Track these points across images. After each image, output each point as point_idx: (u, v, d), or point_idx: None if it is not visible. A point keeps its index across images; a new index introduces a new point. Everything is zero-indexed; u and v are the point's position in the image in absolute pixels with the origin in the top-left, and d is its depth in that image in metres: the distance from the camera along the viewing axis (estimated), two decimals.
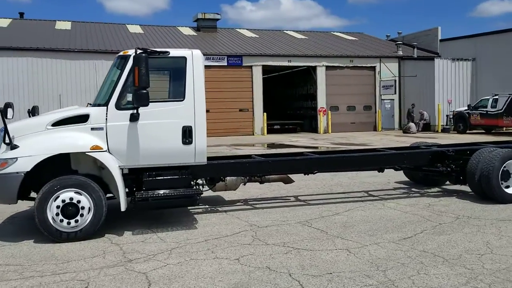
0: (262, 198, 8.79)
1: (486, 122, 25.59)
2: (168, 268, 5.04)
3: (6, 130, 5.98)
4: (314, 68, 30.16)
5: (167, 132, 6.50)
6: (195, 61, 6.68)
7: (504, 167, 7.89)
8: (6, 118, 5.94)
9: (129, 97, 6.31)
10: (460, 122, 27.05)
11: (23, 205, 7.66)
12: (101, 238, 6.19)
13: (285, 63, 29.59)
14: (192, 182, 6.95)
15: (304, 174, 8.32)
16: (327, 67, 30.24)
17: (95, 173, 6.59)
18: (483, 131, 26.54)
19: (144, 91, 5.97)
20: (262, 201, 8.58)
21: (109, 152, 6.27)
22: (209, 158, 7.25)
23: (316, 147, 20.16)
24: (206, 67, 27.39)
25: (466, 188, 8.73)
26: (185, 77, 6.60)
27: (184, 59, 6.64)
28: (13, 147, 5.99)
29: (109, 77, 6.82)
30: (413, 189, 9.48)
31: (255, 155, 8.47)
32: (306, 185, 10.08)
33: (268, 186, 9.60)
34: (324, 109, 30.10)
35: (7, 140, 5.98)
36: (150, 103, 6.31)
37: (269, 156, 8.60)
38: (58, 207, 5.97)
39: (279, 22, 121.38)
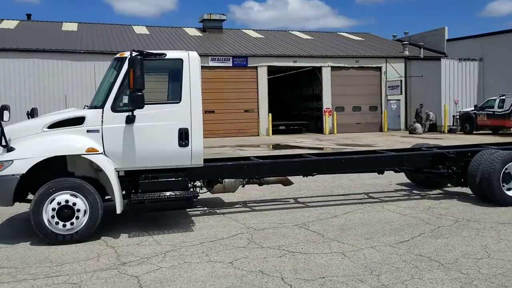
0: (261, 200, 8.76)
1: (493, 123, 25.36)
2: (161, 271, 5.02)
3: (2, 133, 5.99)
4: (319, 69, 30.07)
5: (163, 134, 6.49)
6: (192, 63, 6.66)
7: (506, 169, 7.79)
8: (3, 120, 5.95)
9: (125, 99, 6.33)
10: (466, 122, 26.84)
11: (23, 207, 7.67)
12: (97, 241, 6.19)
13: (291, 64, 29.54)
14: (189, 184, 6.93)
15: (303, 176, 8.27)
16: (333, 68, 30.13)
17: (91, 176, 6.59)
18: (490, 131, 26.30)
19: (139, 93, 5.96)
20: (261, 203, 8.54)
21: (105, 154, 6.27)
22: (206, 160, 7.24)
23: (321, 148, 20.09)
24: (212, 67, 27.79)
25: (467, 190, 8.64)
26: (181, 79, 6.60)
27: (180, 61, 6.63)
28: (9, 149, 6.01)
29: (106, 79, 6.82)
30: (414, 191, 9.40)
31: (255, 156, 8.45)
32: (306, 187, 10.03)
33: (268, 188, 9.56)
34: (329, 109, 30.00)
35: (3, 143, 5.99)
36: (146, 105, 6.31)
37: (268, 158, 8.55)
38: (53, 209, 5.97)
39: (287, 22, 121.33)
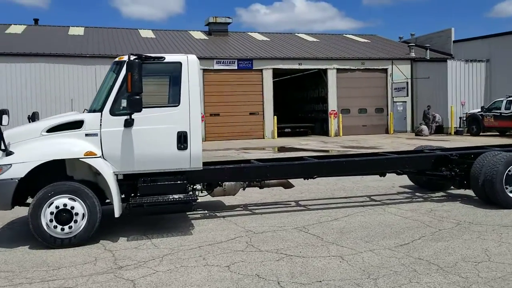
0: (262, 203, 8.72)
1: (500, 124, 25.14)
2: (157, 275, 5.00)
3: (1, 137, 6.01)
4: (325, 71, 30.00)
5: (162, 137, 6.49)
6: (191, 66, 6.65)
7: (509, 171, 7.70)
8: (1, 124, 5.97)
9: (124, 103, 6.31)
10: (473, 124, 26.64)
11: (24, 211, 7.61)
12: (95, 244, 6.19)
13: (296, 66, 29.51)
14: (188, 188, 6.91)
15: (304, 179, 8.23)
16: (338, 70, 30.06)
17: (91, 179, 6.59)
18: (497, 133, 26.08)
19: (137, 97, 5.96)
20: (262, 206, 8.50)
21: (103, 158, 6.27)
22: (206, 163, 7.21)
23: (326, 151, 20.01)
24: (217, 71, 27.84)
25: (470, 192, 8.54)
26: (180, 83, 6.58)
27: (179, 64, 6.62)
28: (8, 153, 6.03)
29: (105, 82, 6.82)
30: (417, 194, 9.32)
31: (255, 159, 8.41)
32: (308, 189, 9.98)
33: (269, 191, 9.53)
34: (335, 112, 29.91)
35: (2, 147, 6.01)
36: (145, 109, 6.32)
37: (269, 161, 8.51)
38: (52, 213, 5.98)
39: (293, 25, 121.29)
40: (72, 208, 6.04)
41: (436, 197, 8.99)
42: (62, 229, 6.02)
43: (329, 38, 36.73)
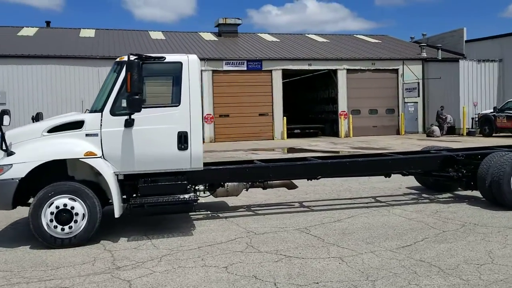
0: (266, 204, 8.67)
1: None
2: (154, 276, 4.97)
3: (2, 137, 6.04)
4: (335, 72, 29.85)
5: (162, 137, 6.47)
6: (191, 66, 6.63)
7: None
8: (2, 125, 5.99)
9: (124, 103, 6.30)
10: (485, 125, 26.29)
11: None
12: (95, 245, 6.18)
13: (305, 67, 29.40)
14: (189, 188, 6.88)
15: (307, 180, 8.15)
16: (348, 70, 29.89)
17: (92, 179, 6.58)
18: (510, 134, 25.69)
19: (137, 96, 5.94)
20: (266, 207, 8.45)
21: (103, 158, 6.27)
22: (207, 164, 7.18)
23: (336, 151, 19.88)
24: (226, 71, 27.87)
25: (477, 193, 8.39)
26: (180, 82, 6.56)
27: (180, 64, 6.60)
28: (9, 153, 6.06)
29: (106, 83, 6.82)
30: (423, 195, 9.18)
31: (258, 160, 8.36)
32: (314, 190, 9.90)
33: (274, 192, 9.48)
34: (345, 112, 29.74)
35: (3, 147, 6.04)
36: (145, 109, 6.33)
37: (272, 161, 8.45)
38: (52, 213, 5.99)
39: (305, 26, 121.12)
40: (72, 208, 6.05)
41: (442, 198, 8.86)
42: (62, 229, 6.02)
43: (339, 39, 36.56)
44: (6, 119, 6.08)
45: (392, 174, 8.60)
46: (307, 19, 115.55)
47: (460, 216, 7.33)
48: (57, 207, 6.00)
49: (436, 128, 27.77)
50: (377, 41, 36.62)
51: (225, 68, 27.46)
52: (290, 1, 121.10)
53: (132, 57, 6.08)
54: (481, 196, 8.24)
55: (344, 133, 29.44)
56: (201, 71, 26.91)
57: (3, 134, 6.05)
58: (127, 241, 6.37)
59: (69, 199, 6.06)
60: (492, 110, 26.27)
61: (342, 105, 29.85)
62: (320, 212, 7.85)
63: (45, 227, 6.00)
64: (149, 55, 6.50)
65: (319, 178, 8.14)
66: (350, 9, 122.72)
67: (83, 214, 6.10)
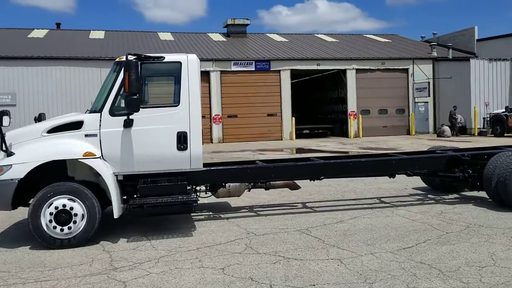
0: (269, 205, 8.60)
1: None
2: (150, 277, 4.93)
3: (2, 138, 6.06)
4: (344, 71, 29.69)
5: (161, 138, 6.44)
6: (191, 66, 6.59)
7: None
8: (2, 125, 6.00)
9: (123, 103, 6.28)
10: (497, 125, 25.96)
11: None
12: (94, 245, 6.17)
13: (314, 67, 29.27)
14: (189, 188, 6.84)
15: (310, 180, 8.07)
16: (358, 70, 29.71)
17: (92, 180, 6.57)
18: None
19: (135, 97, 5.92)
20: (268, 207, 8.38)
21: (103, 158, 6.26)
22: (207, 164, 7.14)
23: (346, 152, 19.73)
24: (234, 72, 27.86)
25: (484, 194, 8.24)
26: (180, 82, 6.52)
27: (179, 64, 6.57)
28: (9, 154, 6.07)
29: (106, 83, 6.81)
30: (429, 196, 9.05)
31: (260, 160, 8.29)
32: (318, 191, 9.81)
33: (278, 192, 9.41)
34: (354, 113, 29.55)
35: (3, 148, 6.06)
36: (144, 109, 6.32)
37: (274, 162, 8.39)
38: (51, 213, 5.99)
39: (316, 26, 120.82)
40: (71, 208, 6.04)
41: (448, 199, 8.72)
42: (62, 230, 6.02)
43: (349, 38, 36.35)
44: (5, 120, 6.09)
45: (397, 175, 8.48)
46: (318, 19, 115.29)
47: (465, 217, 7.20)
48: (56, 208, 6.00)
49: (446, 128, 27.47)
50: (387, 40, 36.36)
51: (233, 68, 27.44)
52: (301, 1, 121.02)
53: (131, 57, 6.06)
54: (487, 197, 8.09)
55: (353, 133, 29.24)
56: (209, 71, 26.97)
57: (3, 135, 6.06)
58: (127, 241, 6.35)
59: (68, 199, 6.05)
60: (504, 110, 25.94)
61: (352, 105, 29.67)
62: (323, 213, 7.77)
63: (45, 227, 6.00)
64: (148, 55, 6.47)
65: (322, 179, 8.05)
66: (361, 9, 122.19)
67: (82, 214, 6.09)
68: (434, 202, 8.43)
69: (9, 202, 6.00)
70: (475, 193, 8.77)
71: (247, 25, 34.42)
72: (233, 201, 8.74)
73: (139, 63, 6.12)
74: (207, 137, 26.94)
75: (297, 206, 8.48)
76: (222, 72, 27.32)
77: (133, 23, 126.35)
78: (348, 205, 8.44)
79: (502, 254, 5.33)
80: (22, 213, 7.45)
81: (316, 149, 21.54)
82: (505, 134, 25.43)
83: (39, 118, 7.57)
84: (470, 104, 28.32)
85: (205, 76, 26.95)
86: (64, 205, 6.02)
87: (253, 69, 27.78)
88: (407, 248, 5.71)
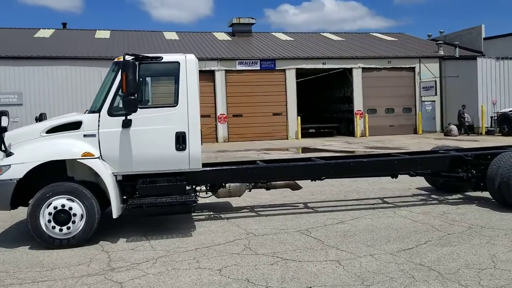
0: (270, 205, 8.56)
1: None
2: (146, 278, 4.91)
3: (1, 138, 6.06)
4: (350, 70, 29.56)
5: (160, 138, 6.41)
6: (189, 66, 6.56)
7: None
8: (1, 126, 6.01)
9: (121, 103, 6.27)
10: (504, 123, 25.72)
11: None
12: (93, 245, 6.17)
13: (320, 66, 29.15)
14: (189, 189, 6.83)
15: (311, 181, 8.02)
16: (364, 69, 29.56)
17: (91, 180, 6.57)
18: None
19: (132, 97, 5.90)
20: (269, 208, 8.34)
21: (101, 158, 6.25)
22: (206, 164, 7.11)
23: (352, 151, 19.64)
24: (239, 71, 27.83)
25: (489, 195, 8.14)
26: (178, 82, 6.50)
27: (177, 64, 6.54)
28: (8, 154, 6.08)
29: (105, 83, 6.80)
30: (432, 196, 8.96)
31: (261, 160, 8.25)
32: (321, 191, 9.76)
33: (280, 192, 9.37)
34: (360, 112, 29.42)
35: (2, 148, 6.07)
36: (143, 109, 6.32)
37: (274, 162, 8.35)
38: (50, 213, 5.99)
39: (323, 24, 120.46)
40: (70, 208, 6.04)
41: (452, 199, 8.63)
42: (61, 230, 6.02)
43: (355, 37, 36.18)
44: (4, 120, 6.09)
45: (400, 175, 8.41)
46: (325, 18, 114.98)
47: (467, 218, 7.12)
48: (55, 208, 6.00)
49: (453, 127, 27.26)
50: (393, 39, 36.14)
51: (238, 67, 27.41)
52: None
53: (128, 57, 6.04)
54: (491, 197, 8.00)
55: (359, 132, 29.11)
56: (214, 71, 26.95)
57: (2, 135, 6.07)
58: (126, 242, 6.34)
59: (67, 199, 6.06)
60: (511, 109, 25.66)
61: (358, 104, 29.53)
62: (324, 214, 7.72)
63: (44, 227, 6.00)
64: (146, 55, 6.46)
65: (324, 179, 7.99)
66: (369, 7, 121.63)
67: (81, 214, 6.09)
68: (437, 203, 8.35)
69: (8, 202, 6.01)
70: (479, 194, 8.67)
71: (252, 24, 34.35)
72: (235, 201, 8.71)
73: (137, 63, 6.11)
74: (212, 137, 26.95)
75: (298, 206, 8.43)
76: (227, 71, 27.30)
77: (139, 22, 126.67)
78: (350, 205, 8.38)
79: (503, 256, 5.25)
80: (23, 212, 7.41)
81: (322, 148, 21.46)
82: None
83: (40, 118, 7.58)
84: (478, 103, 28.06)
85: (210, 75, 26.97)
86: (63, 205, 6.02)
87: (258, 68, 27.72)
88: (407, 249, 5.65)
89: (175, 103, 6.47)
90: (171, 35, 33.22)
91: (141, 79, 6.44)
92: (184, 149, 6.45)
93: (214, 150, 21.67)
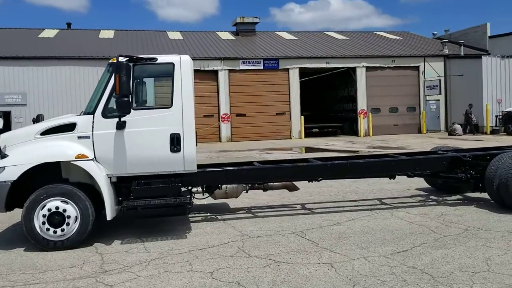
0: (267, 206, 8.53)
1: None
2: (137, 281, 4.91)
3: None
4: (353, 69, 29.44)
5: (154, 139, 6.40)
6: (183, 67, 6.54)
7: None
8: None
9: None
10: (509, 122, 25.56)
11: None
12: (87, 247, 6.17)
13: (323, 65, 29.05)
14: (184, 190, 6.81)
15: (308, 182, 7.98)
16: (368, 68, 29.43)
17: (86, 182, 6.56)
18: None
19: (125, 98, 5.90)
20: (267, 209, 8.31)
21: (96, 160, 6.25)
22: (201, 166, 7.10)
23: (353, 151, 19.57)
24: (242, 71, 27.80)
25: (487, 196, 8.07)
26: (172, 84, 6.48)
27: (172, 65, 6.52)
28: (2, 156, 6.10)
29: (99, 84, 6.80)
30: (431, 197, 8.90)
31: (257, 161, 8.21)
32: (319, 192, 9.72)
33: (279, 193, 9.32)
34: (364, 111, 29.30)
35: None
36: (137, 110, 6.31)
37: (271, 163, 8.32)
38: (44, 216, 6.00)
39: (328, 23, 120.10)
40: (65, 210, 6.05)
41: (450, 200, 8.56)
42: (55, 232, 6.03)
43: (359, 36, 36.04)
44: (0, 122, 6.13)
45: (398, 176, 8.35)
46: (330, 17, 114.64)
47: (465, 219, 7.06)
48: (49, 210, 6.01)
49: (458, 126, 27.09)
50: (397, 37, 35.97)
51: (242, 67, 27.38)
52: None
53: (122, 59, 6.04)
54: (490, 198, 7.93)
55: (363, 132, 29.00)
56: (217, 70, 26.94)
57: None
58: (120, 243, 6.33)
59: (61, 201, 6.06)
60: None
61: (362, 103, 29.41)
62: (321, 215, 7.68)
63: (38, 229, 6.01)
64: (140, 56, 6.44)
65: (320, 180, 7.96)
66: (375, 6, 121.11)
67: (76, 216, 6.09)
68: (435, 204, 8.29)
69: (2, 205, 6.03)
70: (478, 195, 8.60)
71: (256, 23, 34.30)
72: (232, 202, 8.68)
73: (130, 64, 6.11)
74: (215, 136, 26.96)
75: (295, 207, 8.40)
76: (230, 71, 27.28)
77: (145, 22, 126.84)
78: (348, 206, 8.33)
79: (497, 259, 5.19)
80: (19, 215, 7.48)
81: (325, 148, 21.40)
82: None
83: (37, 119, 7.61)
84: (482, 102, 27.86)
85: (213, 75, 26.97)
86: (57, 207, 6.03)
87: (262, 67, 27.67)
88: (401, 252, 5.61)
89: (170, 104, 6.45)
90: (175, 35, 33.25)
91: (135, 80, 6.43)
92: (178, 150, 6.43)
93: (217, 150, 21.67)
